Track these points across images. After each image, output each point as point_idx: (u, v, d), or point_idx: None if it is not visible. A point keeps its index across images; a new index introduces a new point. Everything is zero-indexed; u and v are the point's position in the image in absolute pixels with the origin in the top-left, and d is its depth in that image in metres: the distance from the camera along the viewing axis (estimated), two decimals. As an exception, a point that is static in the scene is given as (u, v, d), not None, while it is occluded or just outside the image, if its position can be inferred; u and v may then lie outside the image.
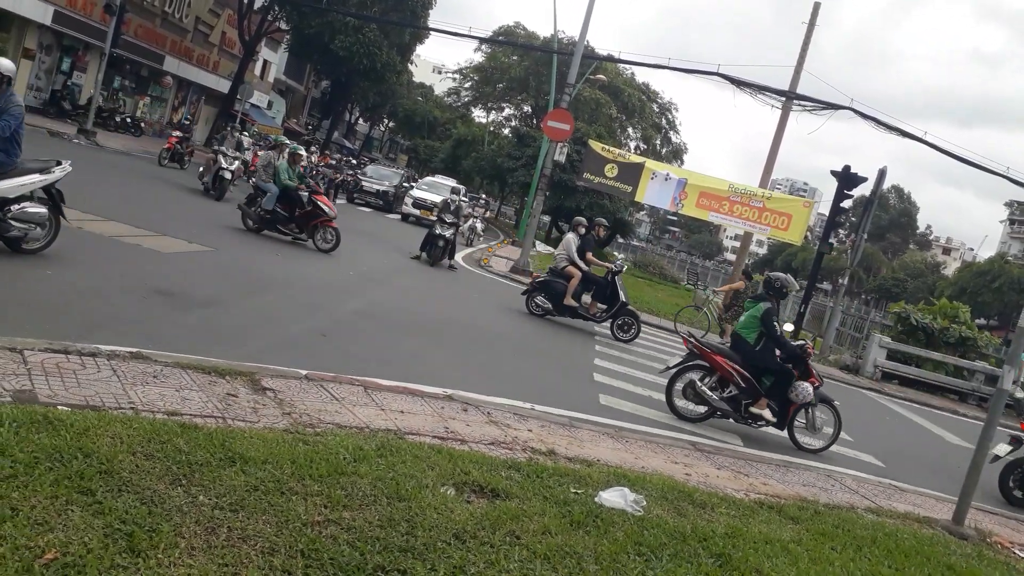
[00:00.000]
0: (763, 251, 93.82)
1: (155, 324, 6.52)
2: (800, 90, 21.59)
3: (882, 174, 19.58)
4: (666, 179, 21.28)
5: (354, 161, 40.30)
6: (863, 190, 20.24)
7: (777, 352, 8.39)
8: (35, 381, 4.27)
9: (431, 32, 41.50)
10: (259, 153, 25.62)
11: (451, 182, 32.44)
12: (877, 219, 65.10)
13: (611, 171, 21.36)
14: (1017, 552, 6.44)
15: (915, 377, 18.95)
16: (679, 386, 8.48)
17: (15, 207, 7.25)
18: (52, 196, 7.65)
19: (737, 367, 8.22)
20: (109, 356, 4.97)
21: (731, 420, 8.51)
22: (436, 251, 16.40)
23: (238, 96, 33.75)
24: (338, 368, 6.32)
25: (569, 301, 12.89)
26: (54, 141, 21.09)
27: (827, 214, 19.55)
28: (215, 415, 4.48)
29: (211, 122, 35.28)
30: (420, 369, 7.42)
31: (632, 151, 41.60)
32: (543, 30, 54.40)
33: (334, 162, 27.47)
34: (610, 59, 35.56)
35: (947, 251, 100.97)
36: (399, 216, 28.57)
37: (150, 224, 11.13)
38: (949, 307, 21.29)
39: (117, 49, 25.16)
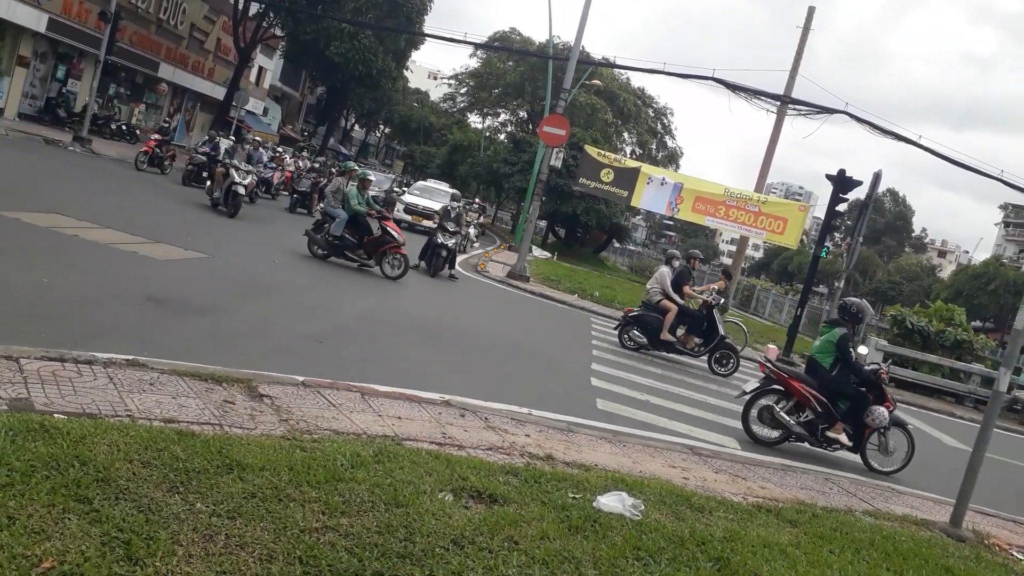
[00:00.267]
0: (759, 255, 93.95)
1: (151, 331, 6.51)
2: (795, 94, 21.71)
3: (877, 177, 19.62)
4: (662, 184, 21.35)
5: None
6: (858, 194, 20.28)
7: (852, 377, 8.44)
8: (31, 389, 4.26)
9: (427, 38, 41.70)
10: (290, 168, 25.15)
11: (445, 186, 31.95)
12: (872, 222, 65.27)
13: (607, 176, 21.42)
14: (1015, 554, 6.44)
15: (911, 380, 18.97)
16: (755, 411, 8.55)
17: None
18: None
19: (814, 392, 8.27)
20: (105, 364, 4.96)
21: (806, 444, 8.60)
22: (438, 261, 15.84)
23: (234, 103, 33.80)
24: (335, 374, 6.32)
25: (665, 336, 12.61)
26: (50, 149, 21.08)
27: (823, 218, 19.59)
28: (212, 422, 4.47)
29: (207, 128, 35.25)
30: (417, 375, 7.41)
31: (628, 156, 41.71)
32: (539, 36, 54.61)
33: (318, 165, 26.96)
34: (606, 64, 35.69)
35: (942, 254, 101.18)
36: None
37: (146, 232, 11.12)
38: (945, 310, 21.35)
39: (112, 56, 25.19)
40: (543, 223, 44.90)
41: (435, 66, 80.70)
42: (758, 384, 8.64)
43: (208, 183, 17.47)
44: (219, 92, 37.86)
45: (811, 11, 22.88)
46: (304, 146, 43.05)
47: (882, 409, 8.39)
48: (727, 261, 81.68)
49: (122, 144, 28.19)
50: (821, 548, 4.89)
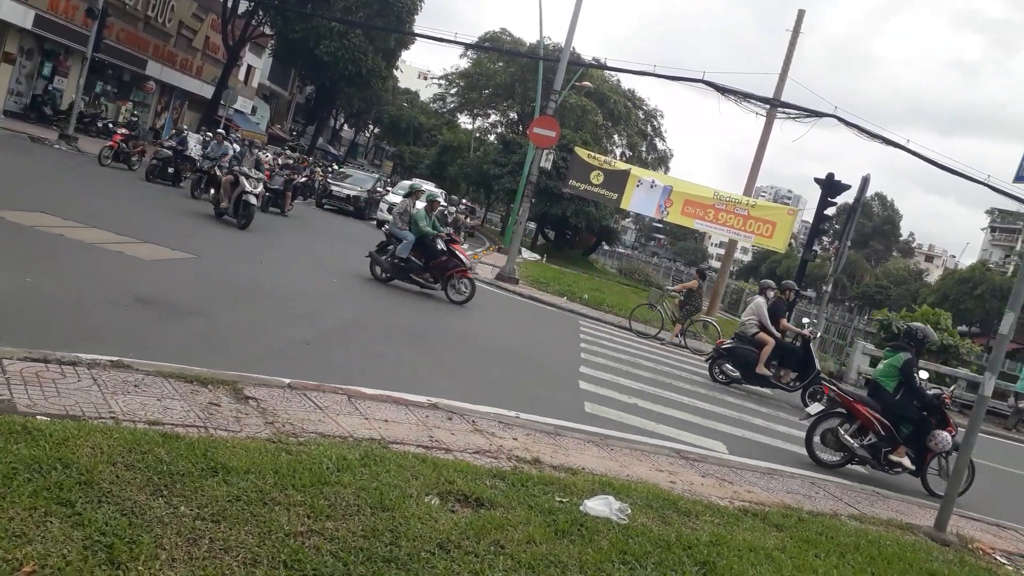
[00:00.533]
0: (748, 258, 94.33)
1: (136, 332, 6.46)
2: (784, 97, 21.80)
3: (865, 182, 19.74)
4: (651, 186, 21.41)
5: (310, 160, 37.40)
6: (846, 197, 20.43)
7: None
8: (14, 391, 4.22)
9: (417, 38, 41.63)
10: (268, 167, 24.38)
11: (430, 186, 31.08)
12: (860, 226, 65.67)
13: (597, 178, 21.46)
14: (998, 558, 6.48)
15: (897, 383, 19.06)
16: (818, 433, 8.65)
17: None
18: None
19: (877, 415, 8.33)
20: (89, 365, 4.91)
21: (868, 467, 8.68)
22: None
23: (222, 101, 33.64)
24: (322, 377, 6.29)
25: (761, 370, 12.33)
26: (35, 147, 20.93)
27: (811, 221, 19.69)
28: (197, 424, 4.44)
29: (195, 127, 35.07)
30: (404, 377, 7.39)
31: (618, 158, 41.76)
32: (529, 36, 54.65)
33: (291, 161, 25.46)
34: (596, 66, 35.78)
35: (930, 258, 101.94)
36: (374, 223, 26.55)
37: (132, 231, 11.05)
38: (931, 314, 21.49)
39: (99, 54, 25.03)
40: (532, 225, 44.92)
41: (425, 66, 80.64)
42: (822, 407, 8.75)
43: (212, 191, 16.62)
44: (207, 91, 37.69)
45: (801, 14, 23.00)
46: (294, 146, 42.88)
47: (945, 434, 8.48)
48: (716, 264, 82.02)
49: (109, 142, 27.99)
50: (807, 552, 4.91)
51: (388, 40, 42.30)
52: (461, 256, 13.50)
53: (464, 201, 38.71)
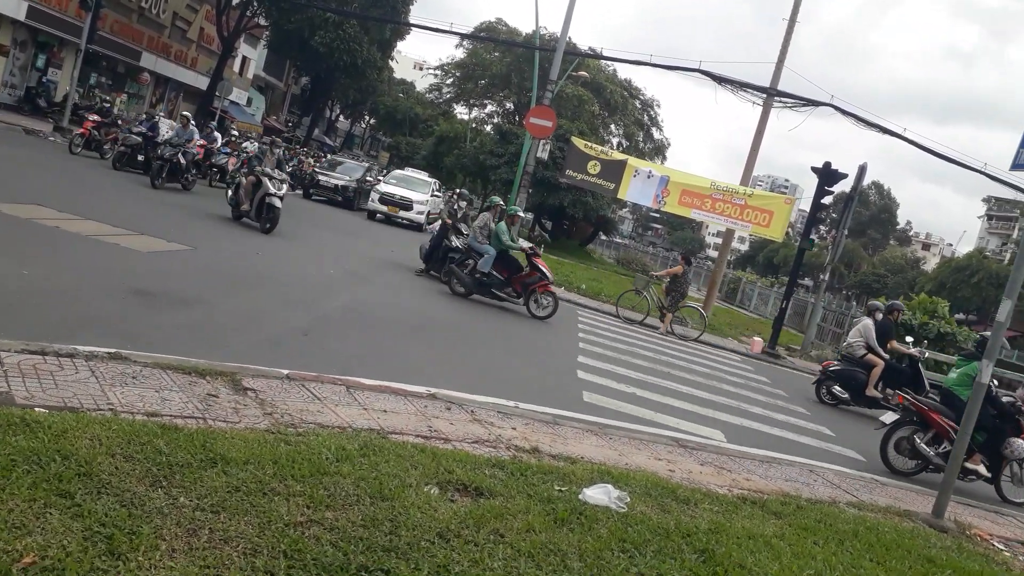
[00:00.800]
0: (745, 247, 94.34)
1: (134, 324, 6.45)
2: (781, 87, 21.72)
3: (862, 170, 19.75)
4: (648, 176, 21.36)
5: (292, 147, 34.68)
6: (843, 186, 20.44)
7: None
8: (12, 383, 4.21)
9: (412, 28, 41.50)
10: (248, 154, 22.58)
11: (424, 175, 30.80)
12: (857, 215, 65.64)
13: (594, 168, 21.41)
14: (996, 544, 6.52)
15: (895, 371, 19.11)
16: (893, 441, 8.71)
17: None
18: None
19: (952, 423, 8.33)
20: (87, 357, 4.90)
21: (943, 474, 8.69)
22: (449, 268, 14.30)
23: (217, 93, 33.52)
24: (320, 367, 6.29)
25: (871, 392, 12.24)
26: (30, 139, 20.83)
27: (808, 210, 19.69)
28: (195, 416, 4.44)
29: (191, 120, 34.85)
30: (403, 368, 7.39)
31: (615, 148, 41.68)
32: (525, 26, 54.39)
33: (266, 144, 23.97)
34: (592, 55, 35.65)
35: (927, 247, 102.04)
36: (364, 214, 26.22)
37: (128, 223, 11.01)
38: (928, 302, 21.53)
39: (93, 45, 24.90)
40: (530, 215, 44.82)
41: (421, 56, 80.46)
42: (897, 416, 8.80)
43: (230, 191, 15.49)
44: (202, 82, 37.54)
45: (797, 2, 22.90)
46: (289, 136, 42.75)
47: (1020, 441, 8.54)
48: (713, 254, 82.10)
49: None
50: (805, 539, 4.93)
51: (383, 30, 42.18)
52: (544, 270, 13.32)
53: (459, 191, 38.55)
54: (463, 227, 15.05)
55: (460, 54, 53.07)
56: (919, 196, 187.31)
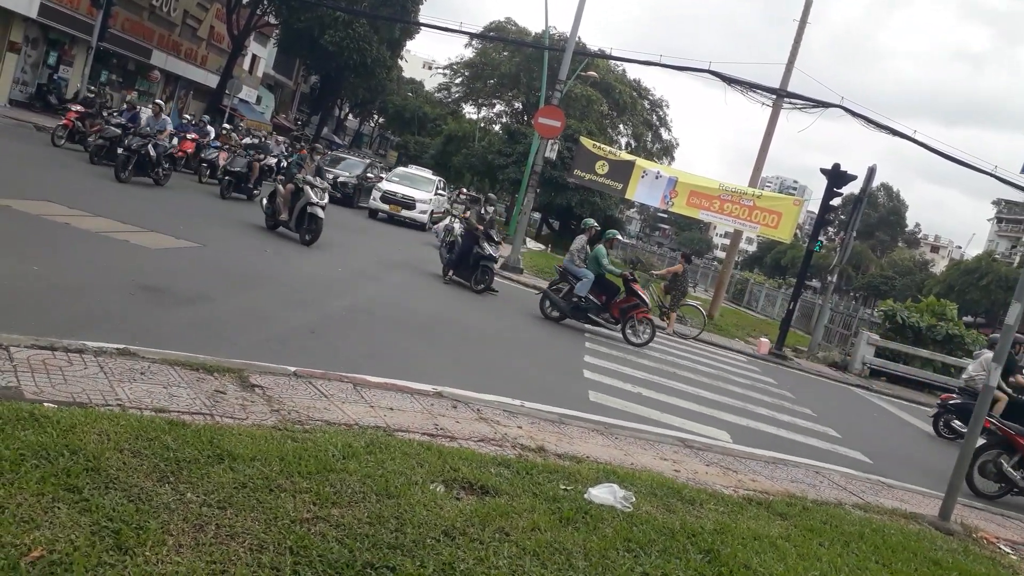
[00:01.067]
0: (752, 248, 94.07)
1: (142, 321, 6.48)
2: (791, 88, 21.68)
3: (871, 172, 19.69)
4: (656, 177, 21.34)
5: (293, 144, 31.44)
6: (852, 188, 20.36)
7: None
8: (21, 378, 4.24)
9: (421, 27, 41.39)
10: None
11: (428, 173, 29.81)
12: (866, 217, 65.38)
13: (602, 168, 21.39)
14: (1002, 547, 6.49)
15: (903, 374, 19.07)
16: (978, 465, 8.65)
17: None
18: None
19: None
20: (96, 353, 4.94)
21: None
22: (485, 275, 14.10)
23: (226, 91, 33.59)
24: (327, 365, 6.31)
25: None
26: (41, 136, 20.91)
27: (816, 212, 19.63)
28: (203, 412, 4.46)
29: (198, 116, 35.01)
30: (409, 366, 7.40)
31: (623, 148, 41.65)
32: (534, 26, 54.59)
33: (257, 140, 21.32)
34: (601, 55, 35.58)
35: (935, 249, 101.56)
36: (365, 212, 25.33)
37: (139, 220, 11.06)
38: (937, 305, 21.43)
39: (104, 43, 25.01)
40: (537, 215, 44.80)
41: (430, 56, 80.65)
42: (983, 440, 8.70)
43: (265, 200, 14.51)
44: (212, 80, 37.64)
45: (808, 3, 22.83)
46: (298, 135, 42.81)
47: None
48: (720, 255, 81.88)
49: None
50: (811, 541, 4.92)
51: (393, 30, 42.20)
52: (644, 296, 13.14)
53: (464, 191, 38.46)
54: (495, 233, 14.59)
55: (469, 53, 53.11)
56: (928, 198, 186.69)
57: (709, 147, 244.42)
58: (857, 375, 18.75)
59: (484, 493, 4.25)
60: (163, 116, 16.63)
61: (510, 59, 49.39)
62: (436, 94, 62.54)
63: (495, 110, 57.19)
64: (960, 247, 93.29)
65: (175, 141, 17.13)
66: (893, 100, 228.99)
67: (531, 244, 33.12)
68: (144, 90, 35.54)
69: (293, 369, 5.84)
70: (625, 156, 23.08)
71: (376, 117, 74.74)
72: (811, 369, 17.97)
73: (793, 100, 21.26)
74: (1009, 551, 6.44)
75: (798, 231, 49.02)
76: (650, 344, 13.12)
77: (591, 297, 12.94)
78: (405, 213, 24.44)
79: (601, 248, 13.34)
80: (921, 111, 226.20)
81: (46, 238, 8.66)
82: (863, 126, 20.39)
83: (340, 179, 25.70)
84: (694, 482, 5.80)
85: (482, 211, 14.98)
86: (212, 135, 21.37)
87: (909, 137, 19.92)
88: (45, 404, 3.89)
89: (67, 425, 3.60)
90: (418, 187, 26.07)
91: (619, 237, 14.59)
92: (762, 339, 19.00)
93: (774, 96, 21.32)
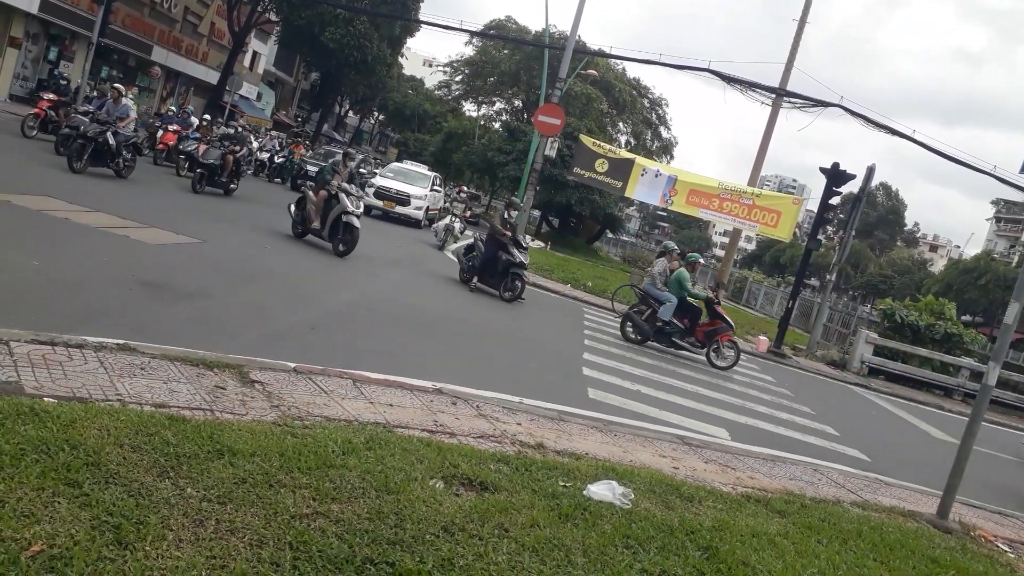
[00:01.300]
0: (752, 247, 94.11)
1: (143, 316, 6.48)
2: (790, 87, 21.70)
3: (870, 171, 19.70)
4: (656, 176, 21.36)
5: (270, 134, 31.12)
6: (851, 187, 20.36)
7: None
8: (21, 373, 4.24)
9: (422, 25, 41.45)
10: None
11: (424, 168, 29.00)
12: (865, 216, 65.37)
13: (602, 166, 21.41)
14: (1000, 546, 6.50)
15: (901, 373, 19.10)
16: None
17: None
18: None
19: None
20: (96, 348, 4.94)
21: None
22: (516, 283, 13.71)
23: (227, 87, 33.56)
24: (327, 361, 6.31)
25: None
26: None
27: (816, 211, 19.64)
28: (203, 407, 4.47)
29: (200, 112, 34.93)
30: (409, 362, 7.41)
31: (623, 146, 41.64)
32: (534, 24, 54.66)
33: (233, 131, 19.84)
34: (601, 54, 35.55)
35: (934, 248, 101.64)
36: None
37: (139, 216, 11.06)
38: (935, 304, 21.46)
39: (104, 39, 24.92)
40: (537, 213, 44.83)
41: (430, 53, 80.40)
42: None
43: (292, 206, 13.84)
44: (213, 76, 37.64)
45: (807, 3, 22.85)
46: (298, 132, 42.79)
47: None
48: (720, 253, 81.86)
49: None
50: (809, 538, 4.93)
51: (393, 27, 42.18)
52: (727, 319, 13.07)
53: (465, 188, 38.46)
54: (524, 240, 14.14)
55: (469, 51, 53.08)
56: (927, 198, 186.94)
57: (708, 146, 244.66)
58: (856, 373, 18.77)
59: (483, 489, 4.26)
60: (124, 101, 15.28)
61: (510, 57, 49.39)
62: (436, 91, 62.50)
63: (495, 108, 57.21)
64: (959, 246, 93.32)
65: (133, 127, 15.38)
66: (892, 99, 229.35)
67: (531, 242, 33.10)
68: (145, 86, 35.55)
69: (293, 365, 5.84)
70: (625, 154, 23.10)
71: (376, 114, 74.72)
72: (810, 367, 17.99)
73: (792, 99, 21.29)
74: (1007, 549, 6.45)
75: (797, 230, 49.05)
76: (648, 343, 13.12)
77: (675, 321, 12.85)
78: (399, 209, 23.77)
79: (683, 271, 13.18)
80: (920, 110, 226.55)
81: (46, 233, 8.66)
82: (862, 125, 20.44)
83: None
84: (693, 479, 5.81)
85: (505, 215, 14.38)
86: (195, 126, 20.52)
87: (908, 136, 19.94)
88: (45, 399, 3.90)
89: (67, 420, 3.60)
90: (413, 183, 25.42)
91: (701, 261, 14.40)
92: (761, 337, 19.02)
93: (773, 95, 21.34)
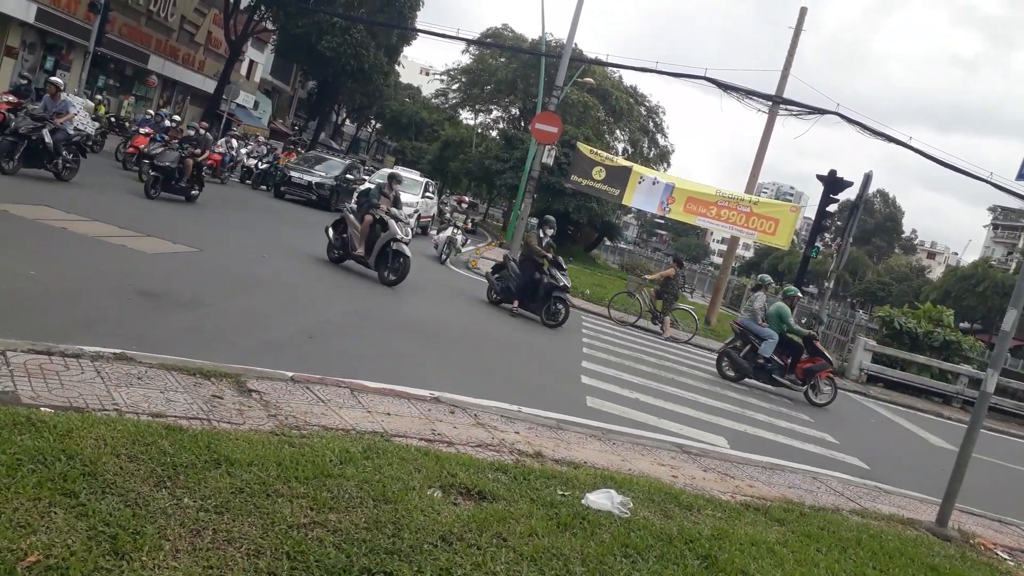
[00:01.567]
0: (749, 254, 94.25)
1: (139, 325, 6.47)
2: (786, 95, 21.72)
3: (867, 178, 19.72)
4: (653, 183, 21.37)
5: (233, 135, 29.38)
6: (848, 194, 20.40)
7: None
8: (18, 382, 4.23)
9: (419, 33, 41.53)
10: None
11: (415, 175, 28.12)
12: (862, 223, 65.55)
13: (599, 174, 21.42)
14: (1000, 553, 6.49)
15: (900, 380, 19.10)
16: None
17: None
18: None
19: None
20: (93, 357, 4.92)
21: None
22: (559, 308, 13.15)
23: (224, 96, 33.62)
24: (324, 370, 6.30)
25: None
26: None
27: (813, 218, 19.67)
28: (200, 417, 4.45)
29: (197, 121, 34.92)
30: (407, 371, 7.40)
31: (620, 154, 41.77)
32: (531, 32, 54.87)
33: (193, 132, 18.04)
34: (598, 62, 35.69)
35: (932, 255, 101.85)
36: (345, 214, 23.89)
37: (136, 225, 11.05)
38: (933, 311, 21.49)
39: (101, 48, 24.98)
40: (534, 220, 44.86)
41: (427, 62, 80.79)
42: None
43: (330, 230, 13.04)
44: (209, 85, 37.70)
45: (803, 12, 22.90)
46: (295, 140, 42.83)
47: None
48: (717, 260, 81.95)
49: (111, 136, 27.94)
50: (808, 546, 4.91)
51: (390, 36, 42.30)
52: (827, 355, 12.95)
53: (465, 199, 38.48)
54: (563, 260, 13.76)
55: (466, 60, 53.32)
56: (924, 204, 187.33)
57: (705, 153, 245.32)
58: (854, 380, 18.76)
59: (481, 498, 4.24)
60: (64, 97, 14.22)
61: (507, 65, 49.57)
62: (433, 100, 62.70)
63: (492, 116, 57.45)
64: (956, 253, 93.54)
65: (76, 125, 14.15)
66: (889, 106, 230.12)
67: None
68: (141, 95, 35.59)
69: (290, 374, 5.83)
70: (622, 162, 23.12)
71: (373, 123, 74.85)
72: (808, 375, 17.95)
73: (789, 107, 21.34)
74: (1006, 557, 6.44)
75: (795, 237, 49.11)
76: (646, 347, 13.12)
77: (775, 358, 12.69)
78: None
79: (784, 306, 12.93)
80: (917, 117, 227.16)
81: (43, 242, 8.65)
82: (859, 132, 20.51)
83: (315, 180, 24.15)
84: (692, 488, 5.79)
85: (540, 233, 13.73)
86: (166, 128, 19.65)
87: (905, 144, 20.01)
88: (42, 409, 3.88)
89: (64, 430, 3.59)
90: (404, 189, 24.75)
91: (799, 295, 14.21)
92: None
93: (770, 103, 21.39)
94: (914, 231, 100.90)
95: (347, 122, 71.12)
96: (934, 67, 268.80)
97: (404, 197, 23.39)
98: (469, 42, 44.39)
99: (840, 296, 71.30)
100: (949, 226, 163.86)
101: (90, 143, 16.12)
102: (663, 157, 53.35)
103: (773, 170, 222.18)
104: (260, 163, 26.12)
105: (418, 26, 40.54)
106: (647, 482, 5.43)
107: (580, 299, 19.59)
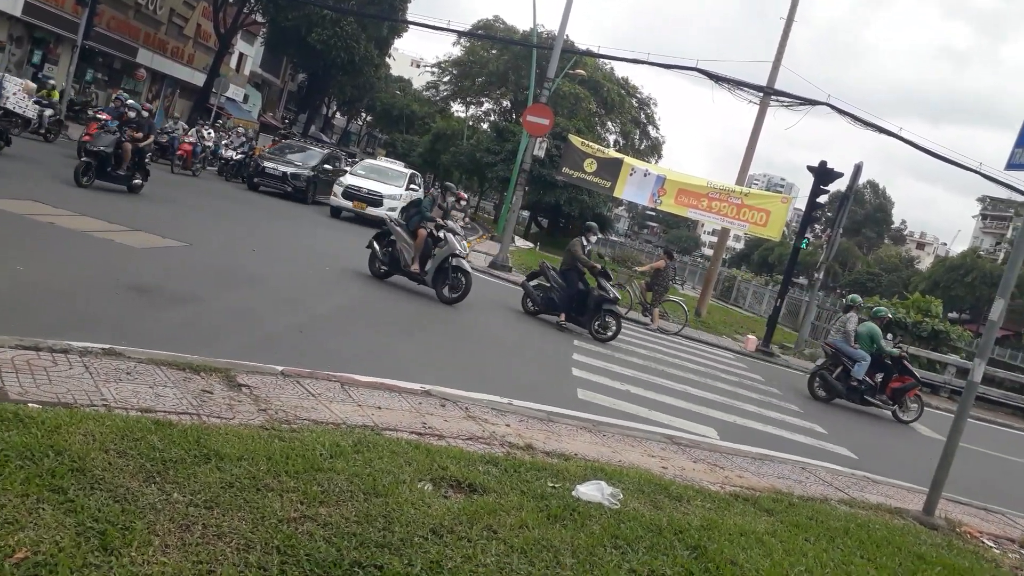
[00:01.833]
0: (740, 246, 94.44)
1: (128, 320, 6.45)
2: (778, 86, 21.74)
3: (858, 169, 19.83)
4: (645, 175, 21.37)
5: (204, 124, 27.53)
6: (839, 185, 20.49)
7: None
8: (5, 379, 4.21)
9: (409, 25, 41.41)
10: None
11: (399, 166, 26.79)
12: (852, 214, 65.81)
13: (590, 166, 21.40)
14: (986, 541, 6.55)
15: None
16: None
17: None
18: None
19: None
20: (81, 353, 4.91)
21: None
22: (610, 321, 12.47)
23: (213, 89, 33.44)
24: (315, 364, 6.29)
25: None
26: (25, 135, 20.72)
27: (803, 209, 19.73)
28: (190, 412, 4.45)
29: (186, 115, 34.82)
30: (398, 365, 7.40)
31: (611, 146, 41.77)
32: (522, 24, 54.81)
33: (135, 114, 15.72)
34: (589, 54, 35.59)
35: (921, 246, 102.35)
36: (324, 209, 22.85)
37: (124, 219, 11.00)
38: (922, 301, 21.63)
39: (89, 41, 24.82)
40: (526, 213, 44.85)
41: (418, 54, 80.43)
42: None
43: (375, 243, 12.08)
44: (199, 78, 37.47)
45: (794, 2, 22.92)
46: (285, 133, 42.64)
47: None
48: (708, 252, 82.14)
49: (73, 126, 27.66)
50: (797, 536, 4.95)
51: (381, 28, 42.16)
52: (916, 374, 12.98)
53: (463, 196, 38.40)
54: (613, 273, 13.25)
55: (457, 52, 53.17)
56: (914, 195, 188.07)
57: (696, 145, 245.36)
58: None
59: (472, 491, 4.26)
60: (3, 82, 13.24)
61: (498, 57, 49.44)
62: (424, 92, 62.50)
63: (483, 108, 57.32)
64: (945, 244, 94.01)
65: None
66: (879, 97, 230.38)
67: (519, 242, 33.10)
68: (130, 89, 35.35)
69: (280, 368, 5.82)
70: (613, 154, 23.11)
71: (364, 115, 74.57)
72: (798, 365, 18.06)
73: (780, 98, 21.34)
74: (992, 545, 6.50)
75: (785, 228, 49.25)
76: (636, 339, 13.15)
77: (867, 379, 12.70)
78: (371, 211, 21.32)
79: (875, 327, 12.89)
80: (907, 108, 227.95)
81: (30, 237, 8.60)
82: (849, 123, 20.52)
83: (289, 171, 22.92)
84: (681, 479, 5.83)
85: (584, 241, 12.95)
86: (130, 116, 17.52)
87: (895, 134, 20.05)
88: (30, 404, 3.87)
89: (52, 426, 3.58)
90: (387, 181, 23.29)
91: (889, 315, 14.12)
92: (749, 336, 19.10)
93: (761, 94, 21.39)
94: (903, 222, 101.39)
95: (337, 115, 70.85)
96: (925, 59, 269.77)
97: (386, 189, 22.47)
98: (460, 34, 44.15)
99: (830, 287, 71.57)
100: (939, 217, 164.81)
101: (27, 127, 15.31)
102: (654, 149, 53.37)
103: (764, 161, 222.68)
104: (235, 154, 24.98)
105: (409, 18, 40.53)
106: (637, 473, 5.46)
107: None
